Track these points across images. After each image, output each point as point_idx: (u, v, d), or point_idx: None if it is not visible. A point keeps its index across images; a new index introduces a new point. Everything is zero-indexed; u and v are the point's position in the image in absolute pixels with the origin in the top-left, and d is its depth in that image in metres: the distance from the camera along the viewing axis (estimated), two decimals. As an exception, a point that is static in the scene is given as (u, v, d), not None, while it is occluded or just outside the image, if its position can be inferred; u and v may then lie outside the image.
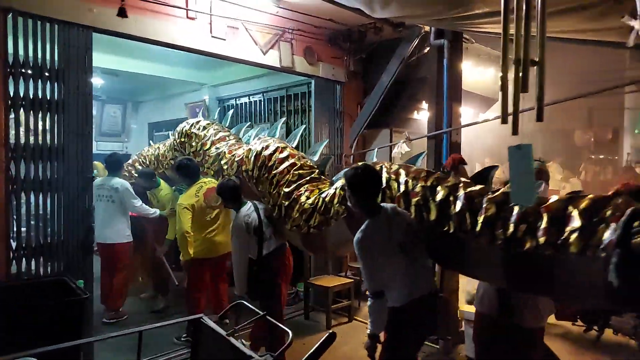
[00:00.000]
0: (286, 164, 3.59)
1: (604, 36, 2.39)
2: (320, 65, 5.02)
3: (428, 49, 4.49)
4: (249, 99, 6.76)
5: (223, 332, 2.02)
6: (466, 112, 5.57)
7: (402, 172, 2.67)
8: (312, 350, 1.71)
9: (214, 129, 4.56)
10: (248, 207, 3.51)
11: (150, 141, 6.11)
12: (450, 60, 4.09)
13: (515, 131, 1.47)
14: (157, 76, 6.94)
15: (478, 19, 2.59)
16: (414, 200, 2.50)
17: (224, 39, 4.14)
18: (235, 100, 7.04)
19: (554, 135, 12.23)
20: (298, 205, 3.38)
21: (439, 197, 2.37)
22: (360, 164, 2.66)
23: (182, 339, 4.08)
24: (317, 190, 3.37)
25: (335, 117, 5.33)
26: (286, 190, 3.47)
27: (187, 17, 3.92)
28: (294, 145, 3.88)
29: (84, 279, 3.41)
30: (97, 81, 6.85)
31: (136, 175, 5.25)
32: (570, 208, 1.89)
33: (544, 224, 1.93)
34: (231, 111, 5.27)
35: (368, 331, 2.39)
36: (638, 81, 3.30)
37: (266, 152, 3.71)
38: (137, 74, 6.74)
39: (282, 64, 4.61)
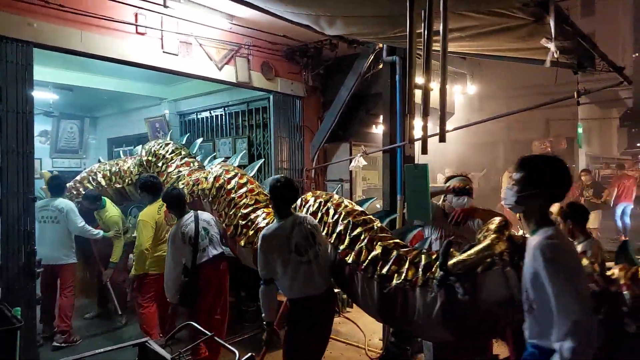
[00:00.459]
0: (244, 189, 3.80)
1: (535, 54, 2.48)
2: (278, 80, 5.01)
3: (382, 65, 4.56)
4: (210, 113, 6.67)
5: (168, 357, 1.99)
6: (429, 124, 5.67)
7: (343, 205, 3.09)
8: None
9: (182, 154, 4.67)
10: (188, 217, 3.57)
11: (100, 157, 5.93)
12: (402, 76, 4.16)
13: (424, 151, 1.50)
14: (115, 91, 6.78)
15: (420, 38, 2.63)
16: (338, 228, 2.97)
17: (176, 54, 4.08)
18: (196, 114, 6.94)
19: (513, 145, 12.68)
20: (254, 225, 3.51)
21: (354, 233, 2.89)
22: (280, 175, 3.07)
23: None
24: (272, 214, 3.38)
25: (295, 132, 5.32)
26: (244, 211, 3.63)
27: (137, 32, 3.84)
28: (251, 175, 4.07)
29: (27, 304, 3.24)
30: (50, 96, 6.63)
31: (82, 195, 5.04)
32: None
33: (406, 265, 2.52)
34: (186, 136, 5.27)
35: (264, 321, 2.83)
36: (570, 97, 3.43)
37: (227, 176, 3.91)
38: (94, 89, 6.56)
39: (239, 79, 4.57)
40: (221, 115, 6.51)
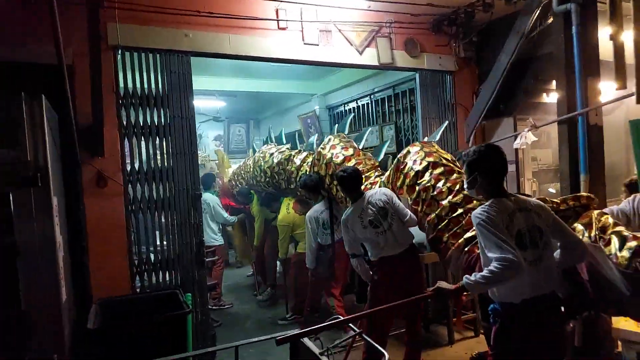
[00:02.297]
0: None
1: None
2: (424, 56, 4.59)
3: (552, 19, 3.77)
4: (357, 103, 6.58)
5: (316, 351, 2.02)
6: (611, 87, 4.57)
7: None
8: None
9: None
10: (322, 204, 4.19)
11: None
12: (582, 26, 3.35)
13: None
14: (271, 92, 7.24)
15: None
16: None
17: (317, 44, 4.03)
18: (344, 106, 6.93)
19: None
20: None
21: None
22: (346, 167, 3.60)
23: (288, 318, 4.91)
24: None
25: (446, 111, 4.82)
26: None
27: (279, 27, 3.90)
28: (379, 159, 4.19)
29: (200, 290, 3.58)
30: (218, 103, 7.40)
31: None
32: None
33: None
34: (335, 127, 5.18)
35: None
36: None
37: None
38: (254, 92, 7.10)
39: (381, 61, 4.31)
40: (367, 104, 6.35)
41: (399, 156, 3.58)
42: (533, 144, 4.14)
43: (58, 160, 2.83)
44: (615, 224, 2.31)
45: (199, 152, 7.70)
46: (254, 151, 5.98)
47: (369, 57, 4.29)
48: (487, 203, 2.12)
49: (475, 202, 2.97)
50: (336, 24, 4.11)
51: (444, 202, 3.10)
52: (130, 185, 3.36)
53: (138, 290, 3.37)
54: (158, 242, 3.48)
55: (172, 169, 3.50)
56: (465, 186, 2.31)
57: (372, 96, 6.21)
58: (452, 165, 3.34)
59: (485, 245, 2.03)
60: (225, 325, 5.12)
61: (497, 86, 4.39)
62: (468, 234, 2.89)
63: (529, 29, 4.13)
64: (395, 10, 4.21)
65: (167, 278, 3.47)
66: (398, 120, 5.71)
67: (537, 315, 2.04)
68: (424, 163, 3.33)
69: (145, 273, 3.42)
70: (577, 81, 3.38)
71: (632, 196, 3.18)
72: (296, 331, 2.18)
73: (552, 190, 4.93)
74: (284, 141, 5.32)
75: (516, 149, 4.36)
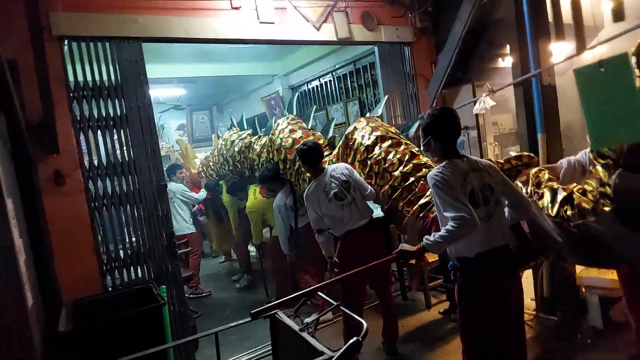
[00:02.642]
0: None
1: None
2: (381, 29, 4.57)
3: (503, -18, 3.82)
4: (319, 81, 6.54)
5: (296, 327, 1.99)
6: (566, 48, 4.70)
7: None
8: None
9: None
10: (284, 190, 4.25)
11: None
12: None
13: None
14: (231, 76, 7.09)
15: None
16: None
17: (273, 23, 3.94)
18: (307, 85, 6.88)
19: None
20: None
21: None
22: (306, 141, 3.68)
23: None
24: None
25: (407, 82, 4.85)
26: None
27: (232, 7, 3.79)
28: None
29: (174, 282, 3.53)
30: (177, 91, 7.20)
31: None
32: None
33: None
34: (294, 97, 5.17)
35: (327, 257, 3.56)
36: None
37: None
38: (213, 77, 6.94)
39: (339, 36, 4.28)
40: (330, 81, 6.33)
41: (346, 133, 3.67)
42: (494, 109, 4.23)
43: (9, 160, 2.69)
44: (550, 180, 2.46)
45: (162, 143, 7.59)
46: (219, 138, 5.89)
47: (327, 32, 4.24)
48: (441, 164, 2.21)
49: (424, 170, 3.15)
50: (291, 0, 4.03)
51: (396, 173, 3.27)
52: (90, 181, 3.25)
53: (110, 288, 3.30)
54: (127, 238, 3.39)
55: (133, 161, 3.39)
56: (422, 149, 2.42)
57: (333, 73, 6.18)
58: (398, 137, 3.50)
59: (442, 205, 2.12)
60: (205, 315, 5.12)
61: (453, 54, 4.44)
62: (422, 201, 3.08)
63: (481, -5, 4.18)
64: (350, -17, 4.17)
65: (140, 273, 3.40)
66: (361, 96, 5.72)
67: (490, 266, 2.18)
68: (372, 138, 3.46)
69: (116, 270, 3.33)
70: (528, 44, 3.45)
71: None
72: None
73: (512, 153, 5.08)
74: (245, 126, 5.24)
75: (477, 115, 4.45)
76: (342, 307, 2.17)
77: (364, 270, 2.39)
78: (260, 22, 3.90)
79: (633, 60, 1.56)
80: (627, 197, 1.96)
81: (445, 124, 2.24)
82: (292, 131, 4.16)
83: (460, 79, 4.75)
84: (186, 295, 5.41)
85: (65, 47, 3.16)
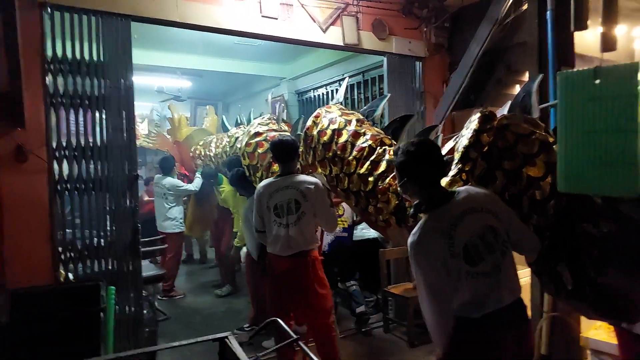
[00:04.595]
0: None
1: None
2: (393, 39, 4.32)
3: (526, 5, 3.57)
4: (326, 89, 6.31)
5: (245, 358, 1.78)
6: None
7: None
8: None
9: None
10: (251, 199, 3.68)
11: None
12: (557, 12, 3.14)
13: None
14: (239, 73, 6.89)
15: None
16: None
17: (276, 18, 3.70)
18: (313, 91, 6.64)
19: None
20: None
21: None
22: None
23: (245, 329, 4.21)
24: None
25: (414, 99, 4.58)
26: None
27: (235, -4, 3.56)
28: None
29: (134, 283, 3.25)
30: (181, 83, 7.00)
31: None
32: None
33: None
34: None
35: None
36: None
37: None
38: (220, 73, 6.73)
39: (346, 41, 4.02)
40: (337, 89, 6.06)
41: (305, 129, 3.21)
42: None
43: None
44: None
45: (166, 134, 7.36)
46: (225, 130, 5.56)
47: (334, 36, 3.99)
48: (421, 221, 1.81)
49: (383, 164, 2.64)
50: (298, -3, 3.80)
51: (354, 177, 2.77)
52: (55, 162, 2.99)
53: (62, 280, 3.02)
54: (87, 228, 3.12)
55: (105, 146, 3.13)
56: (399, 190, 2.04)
57: (341, 82, 5.93)
58: (357, 126, 2.95)
59: (417, 282, 1.80)
60: (174, 318, 4.84)
61: (467, 75, 4.18)
62: (392, 205, 2.54)
63: (502, 16, 3.93)
64: (364, -13, 3.93)
65: (97, 268, 3.13)
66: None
67: (495, 332, 1.76)
68: (329, 132, 2.98)
69: (72, 262, 3.06)
70: (550, 71, 3.18)
71: None
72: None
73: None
74: None
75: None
76: (300, 343, 1.90)
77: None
78: (263, 16, 3.66)
79: None
80: None
81: (423, 163, 1.82)
82: (257, 134, 3.80)
83: (473, 102, 4.47)
84: (158, 296, 5.21)
85: (47, 16, 2.93)
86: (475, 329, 1.76)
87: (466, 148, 2.04)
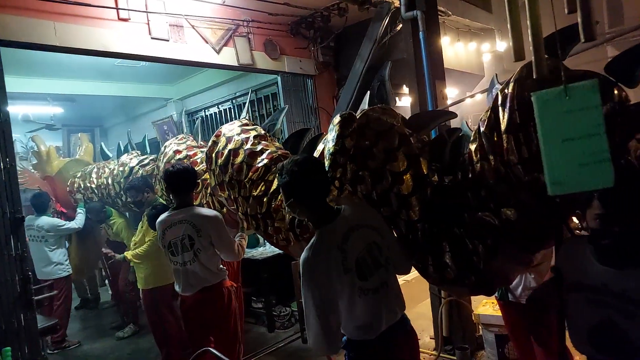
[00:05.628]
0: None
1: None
2: (284, 59, 4.49)
3: (401, 25, 3.99)
4: (218, 108, 6.23)
5: None
6: (451, 93, 5.06)
7: None
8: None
9: None
10: None
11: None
12: (427, 32, 3.59)
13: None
14: (118, 96, 6.44)
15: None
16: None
17: (167, 40, 3.61)
18: (204, 111, 6.51)
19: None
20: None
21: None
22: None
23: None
24: None
25: (310, 115, 4.80)
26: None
27: (119, 18, 3.39)
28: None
29: (28, 339, 2.85)
30: (52, 109, 6.32)
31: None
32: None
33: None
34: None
35: None
36: None
37: None
38: (96, 96, 6.22)
39: (240, 61, 4.08)
40: (230, 108, 6.05)
41: (206, 151, 2.98)
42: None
43: None
44: None
45: (29, 168, 6.45)
46: (105, 158, 5.10)
47: (228, 57, 4.02)
48: (311, 241, 1.75)
49: (275, 182, 2.46)
50: (188, 18, 3.75)
51: (251, 200, 2.60)
52: None
53: None
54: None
55: (-20, 187, 2.74)
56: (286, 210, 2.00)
57: (233, 101, 5.93)
58: (254, 144, 2.73)
59: (305, 299, 1.70)
60: (71, 372, 4.31)
61: (354, 91, 4.52)
62: (286, 221, 2.39)
63: (380, 35, 4.34)
64: (253, 8, 4.03)
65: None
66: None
67: (394, 345, 1.78)
68: (225, 153, 2.76)
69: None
70: (426, 84, 3.60)
71: None
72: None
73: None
74: (148, 149, 4.56)
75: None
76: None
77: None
78: (153, 38, 3.54)
79: None
80: None
81: (307, 182, 1.75)
82: (176, 152, 3.57)
83: (361, 115, 4.83)
84: (48, 350, 4.60)
85: None
86: (372, 349, 1.76)
87: (333, 155, 2.00)
